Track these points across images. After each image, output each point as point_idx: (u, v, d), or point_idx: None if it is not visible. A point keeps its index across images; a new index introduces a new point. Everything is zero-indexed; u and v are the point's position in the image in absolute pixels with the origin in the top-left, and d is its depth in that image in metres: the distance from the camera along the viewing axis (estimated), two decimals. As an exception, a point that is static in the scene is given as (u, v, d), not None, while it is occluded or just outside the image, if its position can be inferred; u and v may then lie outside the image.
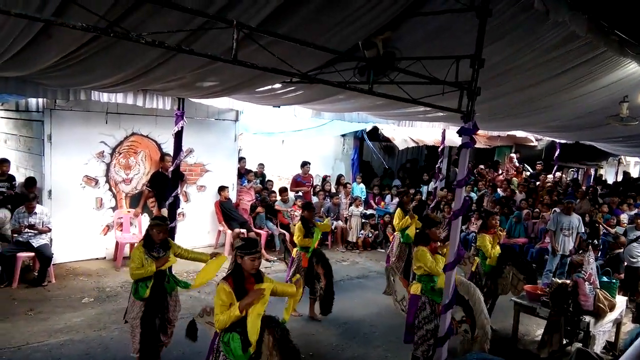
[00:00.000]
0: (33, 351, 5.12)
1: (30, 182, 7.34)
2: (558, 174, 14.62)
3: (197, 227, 9.25)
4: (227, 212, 9.20)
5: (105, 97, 6.39)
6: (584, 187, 13.32)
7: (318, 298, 6.29)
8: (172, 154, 7.17)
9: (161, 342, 4.73)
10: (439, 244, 5.12)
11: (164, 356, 4.90)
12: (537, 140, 14.39)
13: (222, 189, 9.23)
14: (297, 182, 11.09)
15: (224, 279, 3.47)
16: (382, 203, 12.04)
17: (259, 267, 3.54)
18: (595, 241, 9.07)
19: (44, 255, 6.91)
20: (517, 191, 12.11)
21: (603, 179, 15.38)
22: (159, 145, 8.64)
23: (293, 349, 3.40)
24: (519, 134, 13.05)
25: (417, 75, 4.14)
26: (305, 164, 11.18)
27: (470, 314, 4.88)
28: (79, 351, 5.20)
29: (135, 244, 4.81)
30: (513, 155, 15.27)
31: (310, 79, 4.04)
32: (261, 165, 11.32)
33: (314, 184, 11.59)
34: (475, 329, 4.82)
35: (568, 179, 15.50)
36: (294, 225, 9.74)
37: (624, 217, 10.08)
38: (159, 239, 4.61)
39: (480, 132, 12.00)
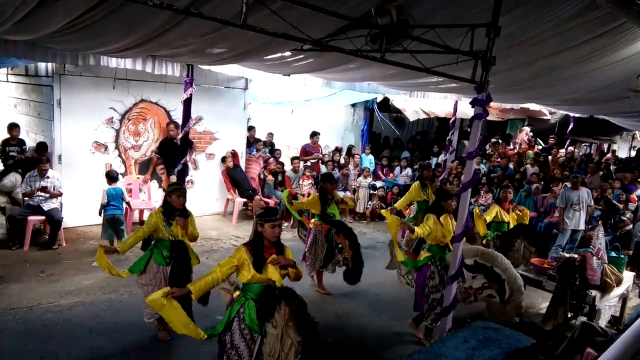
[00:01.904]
0: (44, 311, 5.24)
1: (42, 147, 7.39)
2: (570, 148, 14.43)
3: (205, 195, 9.30)
4: (235, 180, 9.21)
5: (114, 62, 6.34)
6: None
7: (344, 266, 6.11)
8: (180, 121, 7.15)
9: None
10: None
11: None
12: (550, 113, 14.15)
13: (223, 158, 9.23)
14: (305, 152, 11.07)
15: (244, 244, 3.58)
16: (391, 174, 11.99)
17: (279, 237, 3.56)
18: (611, 217, 8.97)
19: (54, 219, 7.00)
20: (528, 164, 11.99)
21: (616, 154, 15.15)
22: (168, 113, 8.62)
23: (310, 322, 3.42)
24: (532, 107, 12.83)
25: (431, 44, 4.05)
26: (314, 134, 11.12)
27: (495, 279, 4.88)
28: (88, 313, 5.30)
29: (153, 210, 4.79)
30: (526, 128, 15.06)
31: (322, 45, 3.96)
32: (270, 135, 11.27)
33: (323, 153, 11.56)
34: (505, 293, 4.83)
35: (580, 153, 15.30)
36: (302, 196, 9.83)
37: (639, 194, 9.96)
38: (179, 204, 4.57)
39: (493, 104, 11.81)
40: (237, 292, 3.64)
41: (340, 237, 6.04)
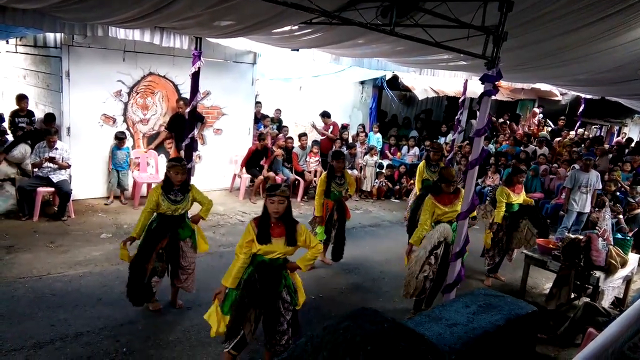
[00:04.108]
0: (54, 281, 5.33)
1: (50, 117, 7.43)
2: (580, 130, 14.29)
3: (213, 170, 9.33)
4: (254, 160, 9.23)
5: (122, 33, 6.31)
6: (606, 145, 13.04)
7: (331, 244, 6.28)
8: (188, 95, 7.13)
9: (150, 287, 4.72)
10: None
11: (181, 295, 5.06)
12: (561, 94, 13.97)
13: (261, 138, 9.28)
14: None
15: (253, 219, 3.66)
16: (399, 153, 11.95)
17: (283, 213, 3.57)
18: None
19: (63, 191, 7.06)
20: (536, 146, 11.90)
21: (630, 139, 14.96)
22: (176, 86, 8.59)
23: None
24: (543, 87, 12.68)
25: (442, 17, 3.98)
26: (324, 115, 11.08)
27: None
28: (97, 283, 5.39)
29: (154, 186, 4.81)
30: (536, 109, 14.90)
31: (332, 17, 3.91)
32: (278, 111, 11.24)
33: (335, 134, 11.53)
34: None
35: (590, 135, 15.15)
36: (309, 173, 9.84)
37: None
38: (178, 180, 4.60)
39: (503, 83, 11.68)
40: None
41: (336, 213, 6.17)
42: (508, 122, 14.06)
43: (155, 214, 4.64)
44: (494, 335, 1.62)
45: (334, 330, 1.24)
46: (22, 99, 7.70)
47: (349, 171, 10.39)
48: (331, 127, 11.07)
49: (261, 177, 9.11)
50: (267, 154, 9.27)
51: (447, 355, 1.45)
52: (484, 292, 1.90)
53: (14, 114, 7.70)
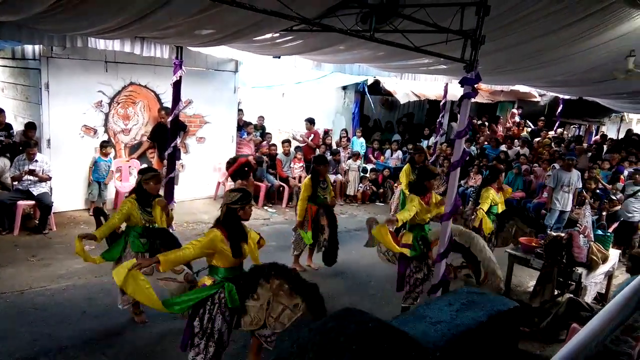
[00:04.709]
0: (36, 295, 5.25)
1: (31, 125, 7.32)
2: (559, 130, 14.54)
3: (197, 178, 9.28)
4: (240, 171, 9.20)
5: (102, 44, 6.27)
6: (585, 144, 13.28)
7: (322, 249, 6.21)
8: (170, 105, 7.10)
9: None
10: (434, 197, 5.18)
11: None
12: (540, 95, 14.22)
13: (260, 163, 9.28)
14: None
15: (217, 229, 3.65)
16: (382, 157, 12.03)
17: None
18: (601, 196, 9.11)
19: (43, 204, 6.97)
20: (518, 146, 12.08)
21: (604, 135, 15.28)
22: (157, 96, 8.55)
23: (310, 284, 3.57)
24: (522, 89, 12.89)
25: (421, 23, 4.04)
26: (308, 121, 11.15)
27: (472, 260, 4.95)
28: (81, 296, 5.32)
29: (127, 195, 4.68)
30: (515, 110, 15.14)
31: (312, 24, 3.94)
32: (261, 118, 11.24)
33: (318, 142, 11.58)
34: (480, 274, 4.89)
35: (569, 135, 15.43)
36: (294, 179, 9.85)
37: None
38: (157, 190, 4.57)
39: (483, 86, 11.85)
40: (208, 280, 3.67)
41: (323, 218, 6.13)
42: (487, 123, 14.25)
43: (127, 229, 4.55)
44: (476, 331, 1.65)
45: (320, 331, 1.26)
46: (-1, 112, 7.59)
47: (333, 176, 10.51)
48: (312, 135, 11.13)
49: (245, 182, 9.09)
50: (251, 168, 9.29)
51: (431, 352, 1.47)
52: (466, 290, 1.93)
53: (-8, 128, 7.58)
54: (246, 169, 8.86)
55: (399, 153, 11.92)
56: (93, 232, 4.39)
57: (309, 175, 6.29)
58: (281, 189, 9.80)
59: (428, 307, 1.77)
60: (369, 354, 1.20)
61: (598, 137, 14.94)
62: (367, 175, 10.86)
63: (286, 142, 10.45)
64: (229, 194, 3.70)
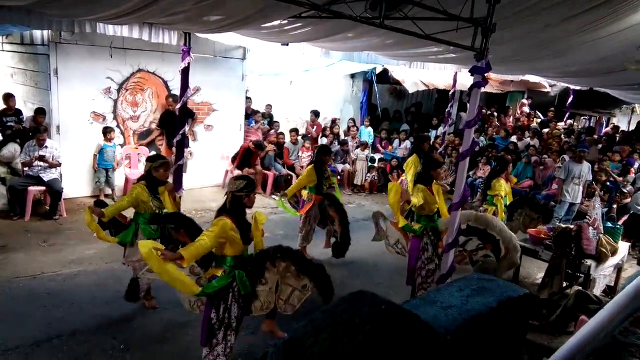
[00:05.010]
0: (48, 280, 5.32)
1: (40, 110, 7.36)
2: (569, 121, 14.41)
3: (205, 166, 9.31)
4: (245, 158, 9.23)
5: (110, 30, 6.26)
6: (595, 136, 13.17)
7: (334, 239, 6.26)
8: (178, 92, 7.10)
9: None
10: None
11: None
12: (550, 86, 14.08)
13: (260, 146, 9.27)
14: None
15: (227, 217, 3.63)
16: (390, 147, 11.99)
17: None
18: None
19: (53, 189, 7.03)
20: (528, 137, 12.00)
21: (616, 127, 15.13)
22: (165, 83, 8.56)
23: (316, 265, 3.61)
24: (532, 79, 12.77)
25: (431, 9, 4.00)
26: (313, 113, 11.25)
27: (489, 239, 4.95)
28: (91, 281, 5.38)
29: (135, 183, 4.68)
30: (524, 101, 15.01)
31: (321, 9, 3.91)
32: (269, 106, 11.22)
33: (324, 125, 11.61)
34: (500, 251, 4.91)
35: (579, 126, 15.29)
36: (301, 167, 9.85)
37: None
38: (166, 177, 4.61)
39: (492, 75, 11.74)
40: (217, 271, 3.67)
41: (332, 209, 6.17)
42: (496, 113, 14.14)
43: (138, 217, 4.56)
44: (487, 316, 1.66)
45: (333, 312, 1.27)
46: (9, 97, 7.62)
47: (340, 166, 10.51)
48: (315, 126, 11.19)
49: (253, 171, 9.12)
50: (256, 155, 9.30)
51: (442, 336, 1.48)
52: (477, 277, 1.94)
53: (2, 113, 7.61)
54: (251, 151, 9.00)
55: (407, 143, 11.86)
56: (104, 210, 4.37)
57: (312, 164, 6.28)
58: (289, 177, 9.81)
59: (438, 292, 1.77)
60: (382, 335, 1.21)
61: (609, 128, 14.79)
62: (375, 164, 10.84)
63: (294, 130, 10.44)
64: (234, 181, 3.69)
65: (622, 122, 16.86)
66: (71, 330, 4.37)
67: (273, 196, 9.38)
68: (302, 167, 9.94)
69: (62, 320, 4.53)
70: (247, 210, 3.74)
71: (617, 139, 12.84)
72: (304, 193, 6.35)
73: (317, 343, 1.17)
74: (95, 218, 4.35)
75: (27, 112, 7.91)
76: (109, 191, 8.15)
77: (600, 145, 11.61)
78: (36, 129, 7.07)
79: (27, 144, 7.01)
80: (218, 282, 3.57)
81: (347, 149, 10.79)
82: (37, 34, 7.44)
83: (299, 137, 10.49)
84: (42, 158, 6.91)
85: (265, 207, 8.59)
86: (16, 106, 7.73)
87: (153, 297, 4.91)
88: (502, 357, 1.82)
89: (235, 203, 3.62)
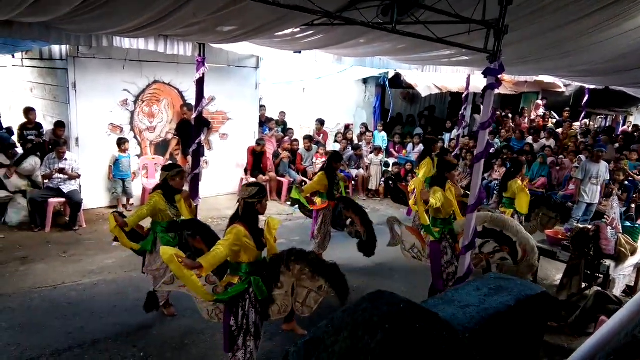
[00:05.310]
0: (69, 290, 5.41)
1: (60, 124, 7.53)
2: (585, 121, 14.25)
3: (220, 175, 9.40)
4: (256, 164, 9.32)
5: (127, 43, 6.38)
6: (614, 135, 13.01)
7: (356, 238, 6.26)
8: (193, 102, 7.20)
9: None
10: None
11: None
12: (565, 86, 13.95)
13: (261, 142, 9.32)
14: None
15: (240, 225, 3.65)
16: (404, 151, 11.98)
17: None
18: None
19: (73, 201, 7.15)
20: (544, 138, 11.90)
21: (635, 125, 14.92)
22: (180, 93, 8.68)
23: (329, 265, 3.60)
24: (547, 79, 12.66)
25: (443, 13, 4.02)
26: (319, 122, 11.36)
27: (506, 242, 4.92)
28: (111, 290, 5.46)
29: (152, 192, 4.73)
30: (539, 102, 14.88)
31: (334, 17, 3.96)
32: (282, 114, 11.31)
33: (337, 131, 11.65)
34: (518, 254, 4.87)
35: (595, 126, 15.11)
36: (315, 174, 9.87)
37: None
38: (182, 185, 4.67)
39: (506, 77, 11.68)
40: (234, 279, 3.70)
41: (349, 212, 6.18)
42: (510, 115, 14.05)
43: (156, 226, 4.63)
44: (505, 314, 1.66)
45: (353, 311, 1.30)
46: (29, 111, 7.81)
47: (355, 171, 10.52)
48: (321, 134, 11.29)
49: (266, 178, 9.19)
50: (262, 156, 9.37)
51: (461, 334, 1.49)
52: (494, 276, 1.94)
53: (23, 127, 7.80)
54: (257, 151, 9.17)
55: (421, 147, 11.83)
56: (127, 219, 4.47)
57: (323, 171, 6.29)
58: (303, 183, 9.84)
59: (456, 292, 1.79)
60: (402, 333, 1.23)
61: (626, 127, 14.58)
62: (390, 169, 10.83)
63: (308, 137, 10.50)
64: (246, 188, 3.69)
65: (639, 120, 16.61)
66: (92, 340, 4.44)
67: (288, 202, 9.43)
68: (314, 173, 9.98)
69: (83, 330, 4.60)
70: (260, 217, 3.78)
71: (637, 136, 12.65)
72: (318, 200, 6.36)
73: (338, 342, 1.20)
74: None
75: (47, 125, 8.08)
76: (126, 201, 8.26)
77: (617, 145, 11.46)
78: (56, 142, 7.21)
79: (47, 156, 7.15)
80: (234, 288, 3.61)
81: (361, 154, 10.81)
82: (56, 49, 7.62)
83: (313, 144, 10.54)
84: (62, 170, 7.05)
85: (280, 213, 8.64)
86: (36, 120, 7.91)
87: (172, 305, 4.98)
88: (520, 356, 1.82)
89: (248, 210, 3.64)
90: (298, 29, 5.81)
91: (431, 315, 1.31)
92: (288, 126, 11.13)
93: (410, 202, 7.06)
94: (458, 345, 1.29)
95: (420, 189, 5.09)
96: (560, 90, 14.17)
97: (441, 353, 1.22)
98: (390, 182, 10.59)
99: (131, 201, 8.35)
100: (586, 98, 13.64)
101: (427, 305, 1.63)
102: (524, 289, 1.82)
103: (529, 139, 11.80)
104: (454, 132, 11.75)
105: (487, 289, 1.74)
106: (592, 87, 12.96)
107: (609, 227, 5.44)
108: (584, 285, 5.65)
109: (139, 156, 8.43)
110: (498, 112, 13.73)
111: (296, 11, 3.65)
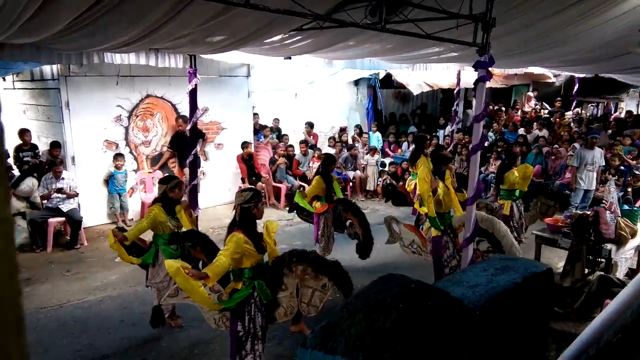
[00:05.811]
0: (74, 308, 5.40)
1: (56, 144, 7.53)
2: (577, 110, 14.35)
3: (217, 184, 9.41)
4: (249, 171, 9.34)
5: (118, 58, 6.41)
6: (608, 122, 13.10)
7: (355, 239, 6.25)
8: (187, 114, 7.23)
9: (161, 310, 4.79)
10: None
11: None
12: (555, 76, 14.06)
13: (245, 145, 9.29)
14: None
15: (238, 231, 3.67)
16: (399, 150, 12.03)
17: None
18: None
19: (73, 219, 7.15)
20: (537, 129, 11.98)
21: (629, 111, 15.02)
22: (174, 106, 8.71)
23: (332, 263, 3.63)
24: (536, 70, 12.77)
25: (431, 10, 4.07)
26: (307, 125, 11.41)
27: (496, 244, 4.96)
28: (116, 306, 5.46)
29: (151, 205, 4.74)
30: (531, 94, 14.98)
31: (323, 19, 4.00)
32: (276, 120, 11.34)
33: (330, 135, 11.68)
34: None
35: (587, 114, 15.21)
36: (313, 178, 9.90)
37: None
38: (181, 196, 4.69)
39: (496, 71, 11.77)
40: (238, 285, 3.71)
41: (348, 213, 6.19)
42: (503, 108, 14.13)
43: (156, 239, 4.64)
44: (513, 291, 1.69)
45: (366, 295, 1.32)
46: (24, 132, 7.80)
47: (352, 173, 10.55)
48: (311, 137, 11.33)
49: (262, 184, 9.20)
50: (252, 161, 9.39)
51: (472, 311, 1.52)
52: (499, 257, 1.97)
53: (18, 149, 7.79)
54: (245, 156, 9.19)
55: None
56: (127, 234, 4.47)
57: (318, 175, 6.30)
58: (301, 189, 9.85)
59: (464, 274, 1.82)
60: (416, 311, 1.25)
61: (618, 113, 14.69)
62: (386, 169, 10.87)
63: (303, 142, 10.54)
64: (241, 194, 3.71)
65: (631, 106, 16.72)
66: (101, 356, 4.44)
67: (287, 208, 9.43)
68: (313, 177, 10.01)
69: (91, 346, 4.60)
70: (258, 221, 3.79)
71: (629, 122, 12.75)
72: (317, 204, 6.37)
73: (354, 324, 1.22)
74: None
75: (42, 146, 8.08)
76: (122, 217, 8.24)
77: (610, 131, 11.55)
78: (52, 162, 7.22)
79: (44, 177, 7.15)
80: (239, 294, 3.62)
81: (356, 154, 10.84)
82: (47, 69, 7.64)
83: (309, 149, 10.57)
84: (60, 190, 7.06)
85: (280, 219, 8.65)
86: (31, 141, 7.90)
87: (179, 317, 4.98)
88: (530, 331, 1.85)
89: (245, 215, 3.65)
90: (287, 35, 5.85)
91: (442, 293, 1.34)
92: (282, 132, 11.16)
93: (415, 205, 7.06)
94: (470, 321, 1.31)
95: (430, 178, 5.05)
96: (550, 81, 14.28)
97: (454, 329, 1.25)
98: (390, 187, 10.63)
99: (131, 216, 8.34)
100: (576, 87, 13.74)
101: (437, 286, 1.66)
102: (530, 267, 1.86)
103: (521, 131, 11.88)
104: (448, 129, 11.81)
105: (494, 269, 1.77)
106: (581, 75, 13.08)
107: (607, 212, 5.48)
108: (586, 270, 5.68)
109: (135, 171, 8.43)
110: (490, 106, 13.81)
111: (285, 15, 3.68)
